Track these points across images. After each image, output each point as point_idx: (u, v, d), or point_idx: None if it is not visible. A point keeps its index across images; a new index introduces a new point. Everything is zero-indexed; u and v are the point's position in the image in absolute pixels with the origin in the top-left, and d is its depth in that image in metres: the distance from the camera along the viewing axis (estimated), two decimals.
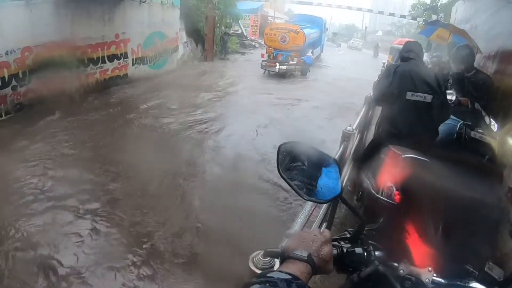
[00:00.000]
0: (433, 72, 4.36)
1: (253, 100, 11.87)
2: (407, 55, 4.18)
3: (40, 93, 8.82)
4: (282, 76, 16.94)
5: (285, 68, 17.25)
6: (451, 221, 1.42)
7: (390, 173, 3.08)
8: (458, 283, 1.09)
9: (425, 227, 1.27)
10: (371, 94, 5.44)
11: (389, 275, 1.11)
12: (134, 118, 8.76)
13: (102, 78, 11.44)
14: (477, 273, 1.12)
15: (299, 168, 1.21)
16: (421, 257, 1.12)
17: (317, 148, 1.23)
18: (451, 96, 4.66)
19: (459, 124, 4.29)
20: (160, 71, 13.96)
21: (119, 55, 12.05)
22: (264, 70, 17.55)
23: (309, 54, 19.59)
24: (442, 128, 4.04)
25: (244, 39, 27.67)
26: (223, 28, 22.08)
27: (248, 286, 0.81)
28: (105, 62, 11.51)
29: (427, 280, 1.08)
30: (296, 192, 1.17)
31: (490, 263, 1.12)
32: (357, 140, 4.85)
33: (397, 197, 2.94)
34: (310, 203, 2.10)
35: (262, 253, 1.42)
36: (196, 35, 18.12)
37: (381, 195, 3.10)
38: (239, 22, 27.26)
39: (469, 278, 1.10)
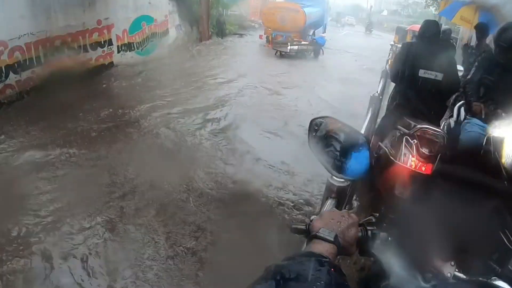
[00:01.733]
0: (444, 52, 4.37)
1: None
2: (423, 35, 4.40)
3: (17, 89, 8.30)
4: (292, 57, 16.47)
5: (297, 48, 16.86)
6: (475, 206, 1.27)
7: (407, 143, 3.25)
8: (480, 279, 1.02)
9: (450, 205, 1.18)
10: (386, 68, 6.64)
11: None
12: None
13: (85, 68, 10.49)
14: (500, 269, 1.07)
15: (329, 144, 1.23)
16: (444, 250, 1.02)
17: (349, 125, 1.23)
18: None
19: (485, 138, 3.08)
20: (149, 57, 13.01)
21: (102, 43, 11.20)
22: (275, 51, 17.17)
23: (323, 34, 19.51)
24: (464, 137, 3.45)
25: (243, 20, 26.56)
26: (220, 9, 21.04)
27: (279, 267, 0.79)
28: (87, 51, 10.64)
29: (448, 274, 1.01)
30: (325, 166, 1.22)
31: None
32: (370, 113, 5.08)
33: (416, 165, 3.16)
34: (336, 184, 2.17)
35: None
36: (190, 17, 17.02)
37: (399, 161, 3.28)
38: (238, 2, 26.11)
39: (492, 275, 1.03)
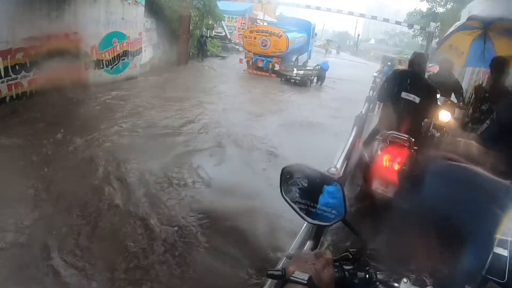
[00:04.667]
0: (425, 81, 5.26)
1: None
2: (412, 64, 5.14)
3: None
4: (295, 85, 16.24)
5: (303, 73, 16.72)
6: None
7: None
8: None
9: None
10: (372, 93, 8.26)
11: None
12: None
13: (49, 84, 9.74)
14: None
15: (301, 189, 1.23)
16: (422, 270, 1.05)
17: (318, 169, 1.23)
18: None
19: None
20: (118, 76, 12.33)
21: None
22: (281, 77, 16.97)
23: (326, 60, 19.98)
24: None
25: (227, 42, 26.24)
26: (204, 29, 20.61)
27: None
28: None
29: None
30: (298, 214, 1.20)
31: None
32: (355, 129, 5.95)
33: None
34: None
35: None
36: (170, 36, 16.45)
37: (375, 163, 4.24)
38: (223, 23, 25.79)
39: None
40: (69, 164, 6.18)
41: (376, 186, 4.19)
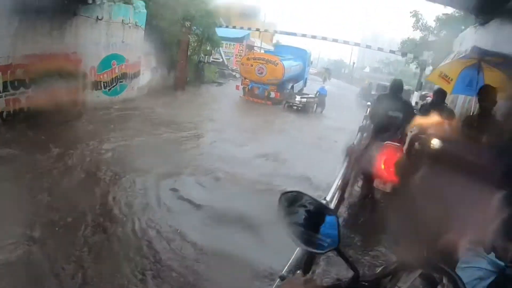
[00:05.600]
0: (404, 100, 6.84)
1: None
2: (392, 89, 6.51)
3: None
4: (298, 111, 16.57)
5: (306, 100, 17.25)
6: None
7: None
8: None
9: None
10: (363, 122, 9.46)
11: None
12: None
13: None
14: None
15: (298, 217, 1.25)
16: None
17: (317, 199, 1.27)
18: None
19: None
20: (116, 98, 12.44)
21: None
22: (283, 105, 17.62)
23: (323, 85, 20.60)
24: None
25: (224, 68, 26.48)
26: (201, 55, 20.83)
27: None
28: None
29: None
30: (293, 240, 1.22)
31: None
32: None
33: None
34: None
35: None
36: (169, 60, 16.65)
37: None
38: (220, 50, 26.08)
39: None
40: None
41: (377, 184, 5.55)
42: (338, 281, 1.25)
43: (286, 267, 2.31)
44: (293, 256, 2.44)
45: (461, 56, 7.07)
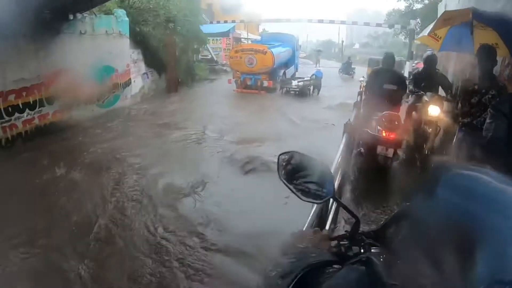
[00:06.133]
0: (397, 73, 7.58)
1: None
2: (384, 62, 7.17)
3: None
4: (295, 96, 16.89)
5: (302, 84, 17.47)
6: None
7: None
8: None
9: None
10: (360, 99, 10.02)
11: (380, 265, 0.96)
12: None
13: (42, 124, 9.93)
14: None
15: (296, 174, 1.39)
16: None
17: (311, 156, 1.41)
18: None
19: None
20: (111, 110, 12.42)
21: None
22: (281, 89, 18.04)
23: (318, 68, 21.42)
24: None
25: (214, 64, 26.45)
26: (190, 54, 20.79)
27: None
28: (43, 106, 10.01)
29: None
30: (295, 193, 1.35)
31: None
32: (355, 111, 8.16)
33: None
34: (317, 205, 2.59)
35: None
36: (158, 64, 16.59)
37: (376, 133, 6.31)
38: (208, 46, 26.03)
39: None
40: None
41: (379, 150, 6.12)
42: (345, 231, 1.31)
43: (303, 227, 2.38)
44: (307, 220, 2.58)
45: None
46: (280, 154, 1.42)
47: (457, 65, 8.22)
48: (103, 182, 6.90)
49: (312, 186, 1.33)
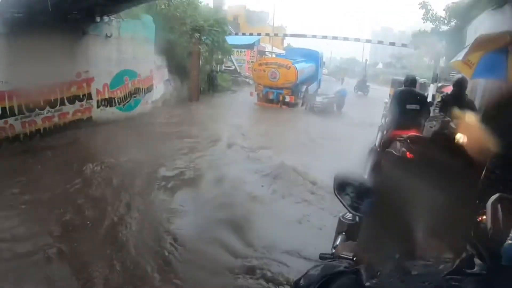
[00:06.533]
0: (419, 93, 7.38)
1: None
2: (406, 84, 7.09)
3: None
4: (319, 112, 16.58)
5: (326, 101, 17.28)
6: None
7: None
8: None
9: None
10: (384, 121, 9.06)
11: None
12: None
13: (62, 122, 10.01)
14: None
15: (348, 191, 1.76)
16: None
17: (363, 177, 1.98)
18: None
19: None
20: (131, 114, 12.47)
21: (81, 96, 10.65)
22: (305, 105, 17.96)
23: (343, 87, 20.84)
24: None
25: (237, 75, 26.49)
26: (213, 64, 20.82)
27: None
28: (64, 104, 10.08)
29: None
30: (346, 208, 1.77)
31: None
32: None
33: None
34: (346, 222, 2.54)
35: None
36: (181, 72, 16.65)
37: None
38: (232, 57, 26.09)
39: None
40: None
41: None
42: None
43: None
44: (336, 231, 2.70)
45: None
46: (337, 174, 1.75)
47: (487, 91, 7.94)
48: None
49: (360, 203, 1.67)
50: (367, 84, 29.09)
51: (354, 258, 1.34)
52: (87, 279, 4.23)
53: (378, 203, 1.46)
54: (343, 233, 2.76)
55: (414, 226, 1.22)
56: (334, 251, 1.51)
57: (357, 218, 2.23)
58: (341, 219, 2.61)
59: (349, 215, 2.32)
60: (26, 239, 4.86)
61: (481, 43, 5.71)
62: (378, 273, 1.17)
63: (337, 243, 2.47)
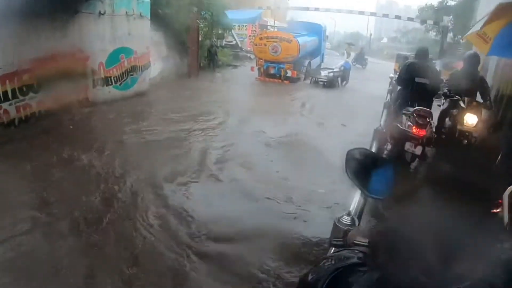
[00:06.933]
0: (431, 67, 7.03)
1: None
2: (417, 56, 6.83)
3: None
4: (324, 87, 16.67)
5: (332, 75, 17.08)
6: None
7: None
8: None
9: None
10: (389, 98, 9.09)
11: None
12: None
13: (57, 105, 9.60)
14: None
15: (362, 170, 1.52)
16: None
17: (379, 154, 2.22)
18: None
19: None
20: (128, 92, 12.06)
21: (76, 77, 10.18)
22: (310, 79, 17.84)
23: (347, 60, 20.68)
24: None
25: (238, 50, 26.01)
26: (214, 39, 20.36)
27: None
28: (59, 86, 9.64)
29: None
30: (359, 189, 1.55)
31: None
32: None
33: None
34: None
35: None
36: (180, 48, 16.24)
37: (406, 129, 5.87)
38: (233, 32, 25.57)
39: None
40: None
41: (407, 147, 5.74)
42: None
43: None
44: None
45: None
46: (349, 150, 1.53)
47: (499, 68, 7.56)
48: None
49: (375, 183, 1.46)
50: (365, 57, 29.13)
51: (370, 245, 1.17)
52: None
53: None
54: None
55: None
56: (345, 237, 1.34)
57: (357, 222, 1.83)
58: (337, 223, 2.04)
59: (347, 218, 1.80)
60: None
61: (502, 11, 4.58)
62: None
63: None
